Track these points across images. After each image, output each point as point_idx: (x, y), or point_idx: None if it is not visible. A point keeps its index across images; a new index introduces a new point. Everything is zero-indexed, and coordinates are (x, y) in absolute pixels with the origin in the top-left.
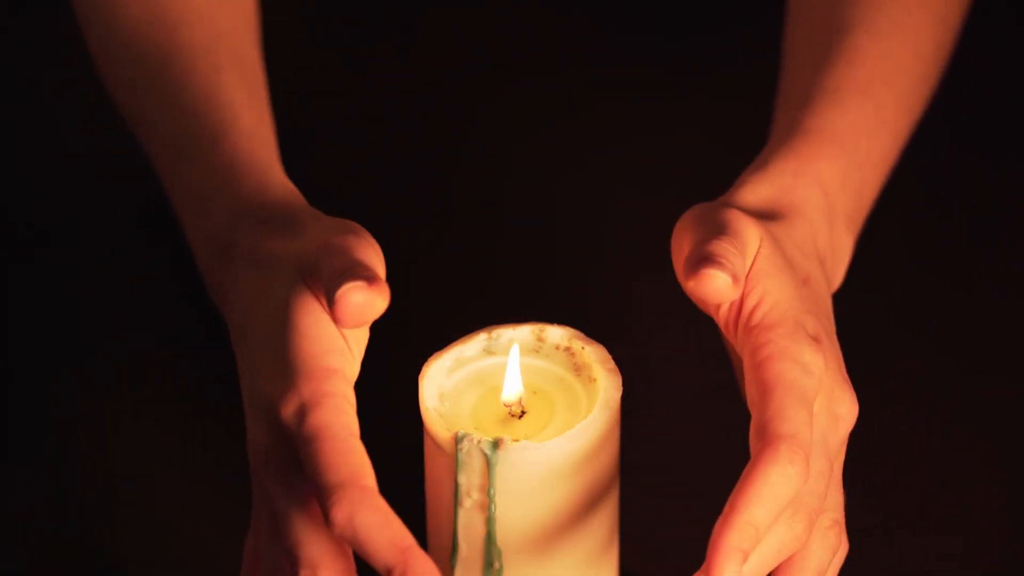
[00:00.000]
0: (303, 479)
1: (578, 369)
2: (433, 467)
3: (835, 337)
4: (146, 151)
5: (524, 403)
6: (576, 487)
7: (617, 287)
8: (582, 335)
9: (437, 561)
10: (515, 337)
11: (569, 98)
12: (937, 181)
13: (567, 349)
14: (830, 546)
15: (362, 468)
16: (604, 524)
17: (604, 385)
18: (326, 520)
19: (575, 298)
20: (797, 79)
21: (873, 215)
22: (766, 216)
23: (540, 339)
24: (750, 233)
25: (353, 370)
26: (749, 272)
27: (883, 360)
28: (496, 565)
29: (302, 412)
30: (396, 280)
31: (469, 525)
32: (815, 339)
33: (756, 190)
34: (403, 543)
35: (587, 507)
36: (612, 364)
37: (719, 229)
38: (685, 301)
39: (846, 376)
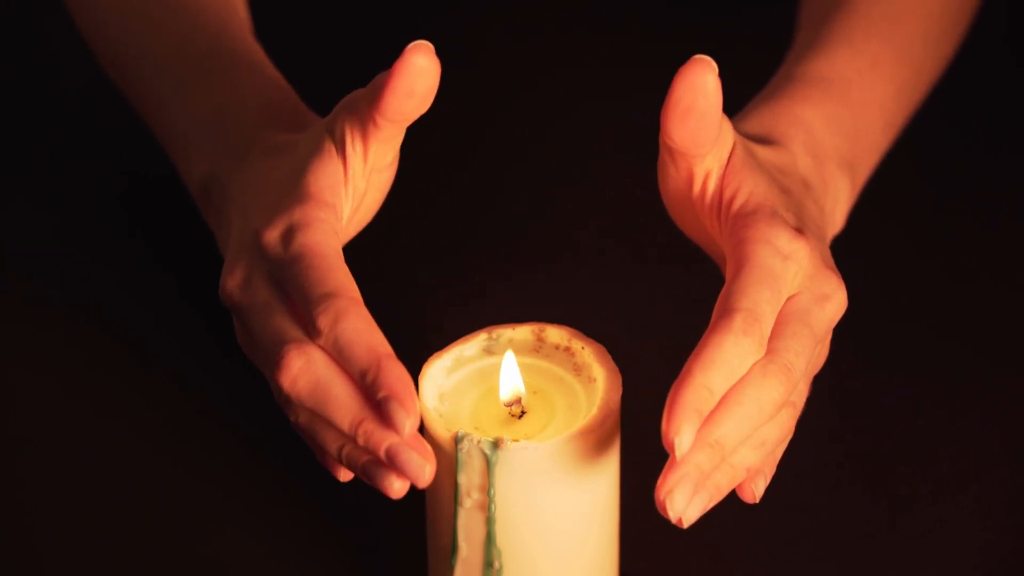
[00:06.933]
0: (281, 298)
1: (578, 369)
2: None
3: (825, 241)
4: (142, 96)
5: (524, 403)
6: (576, 487)
7: (617, 287)
8: (582, 335)
9: (437, 561)
10: (515, 337)
11: (572, 98)
12: (940, 172)
13: (567, 349)
14: (780, 426)
15: (348, 283)
16: (604, 524)
17: (604, 385)
18: (312, 330)
19: (575, 298)
20: (798, 40)
21: (877, 208)
22: None
23: (540, 339)
24: (725, 124)
25: (346, 210)
26: (726, 167)
27: (890, 353)
28: (496, 565)
29: (291, 233)
30: (396, 280)
31: (469, 525)
32: (797, 230)
33: (739, 129)
34: (382, 350)
35: (587, 507)
36: (612, 364)
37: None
38: (686, 300)
39: (834, 267)
